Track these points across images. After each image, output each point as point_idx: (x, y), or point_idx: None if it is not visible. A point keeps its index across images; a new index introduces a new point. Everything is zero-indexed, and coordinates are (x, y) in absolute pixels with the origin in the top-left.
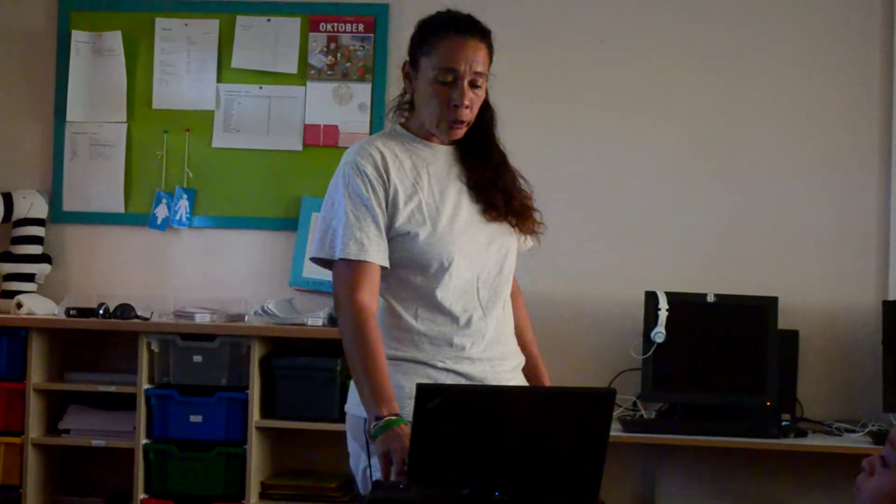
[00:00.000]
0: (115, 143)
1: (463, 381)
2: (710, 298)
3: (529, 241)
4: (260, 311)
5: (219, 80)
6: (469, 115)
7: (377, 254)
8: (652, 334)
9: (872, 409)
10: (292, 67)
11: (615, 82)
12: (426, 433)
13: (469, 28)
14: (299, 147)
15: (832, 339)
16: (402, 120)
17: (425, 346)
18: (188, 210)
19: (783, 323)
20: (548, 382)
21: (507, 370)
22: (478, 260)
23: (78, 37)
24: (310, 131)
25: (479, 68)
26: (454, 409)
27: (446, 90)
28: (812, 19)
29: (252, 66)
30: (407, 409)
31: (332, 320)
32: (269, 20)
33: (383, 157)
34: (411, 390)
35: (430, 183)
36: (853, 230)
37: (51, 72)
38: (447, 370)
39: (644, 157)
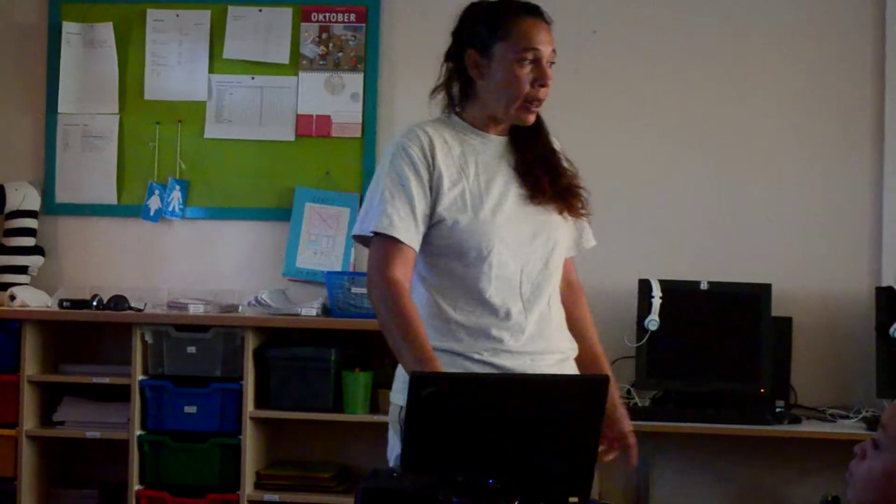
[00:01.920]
0: (108, 135)
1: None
2: (704, 286)
3: (591, 241)
4: (254, 302)
5: (211, 70)
6: (546, 93)
7: (405, 233)
8: (645, 322)
9: (866, 395)
10: (284, 57)
11: (608, 72)
12: (420, 421)
13: (539, 11)
14: (292, 137)
15: (826, 325)
16: (458, 110)
17: (463, 336)
18: (181, 201)
19: (777, 310)
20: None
21: (548, 364)
22: (522, 252)
23: (69, 28)
24: (302, 121)
25: (554, 46)
26: (449, 396)
27: (528, 70)
28: (805, 9)
29: (244, 57)
30: None
31: (325, 310)
32: (260, 10)
33: (431, 142)
34: None
35: (476, 171)
36: (846, 217)
37: (42, 63)
38: (484, 362)
39: (636, 146)
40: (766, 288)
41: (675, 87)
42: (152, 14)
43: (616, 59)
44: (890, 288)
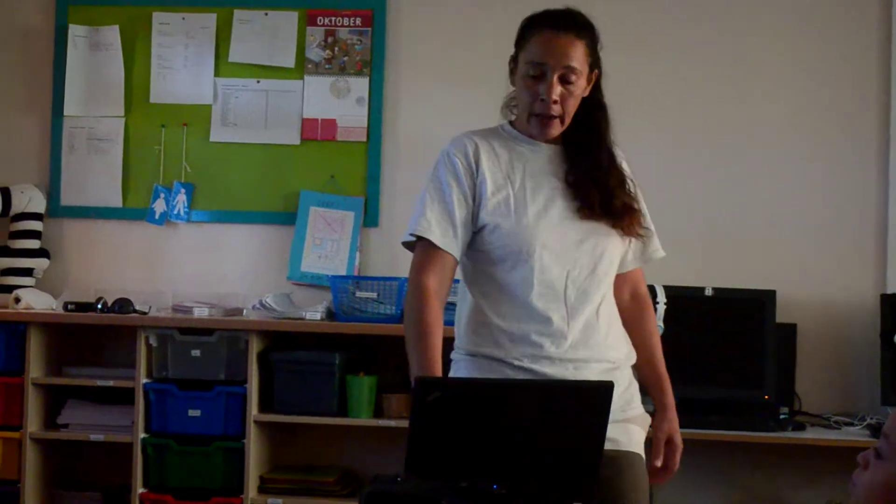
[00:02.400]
0: (113, 138)
1: None
2: (709, 292)
3: (658, 252)
4: (258, 306)
5: (216, 74)
6: (558, 110)
7: (443, 238)
8: None
9: (870, 403)
10: (290, 61)
11: (611, 77)
12: (425, 426)
13: (564, 23)
14: (297, 141)
15: (830, 332)
16: (513, 118)
17: (504, 342)
18: (186, 204)
19: (781, 316)
20: (670, 398)
21: (594, 374)
22: (567, 257)
23: (75, 31)
24: (307, 125)
25: (572, 63)
26: (453, 402)
27: (535, 84)
28: (810, 12)
29: (249, 60)
30: None
31: (330, 314)
32: (266, 14)
33: (476, 149)
34: None
35: (523, 178)
36: (851, 224)
37: (48, 66)
38: (524, 368)
39: (640, 152)
40: (771, 294)
41: (680, 93)
42: (158, 17)
43: (618, 63)
44: (895, 295)
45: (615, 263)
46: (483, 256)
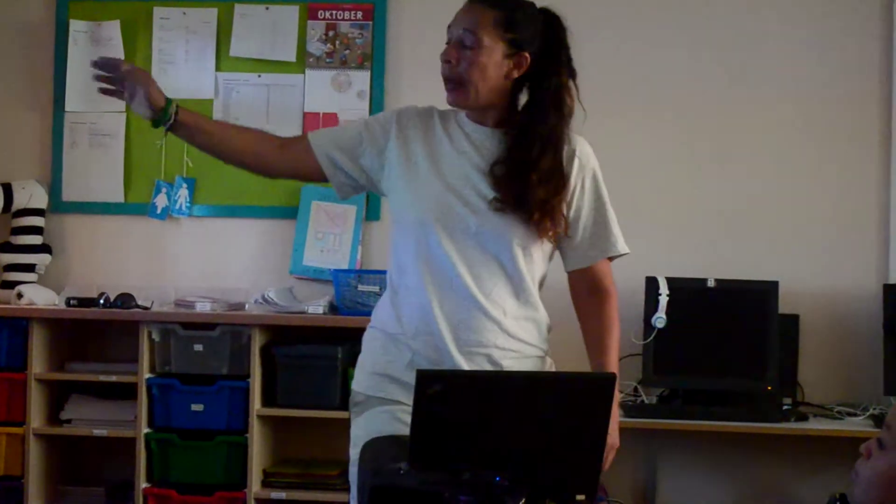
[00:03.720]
0: (115, 133)
1: (422, 359)
2: (711, 283)
3: (615, 248)
4: (260, 300)
5: (217, 68)
6: (448, 70)
7: (314, 136)
8: (652, 319)
9: (873, 393)
10: (291, 55)
11: (614, 67)
12: (427, 419)
13: None
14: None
15: (833, 323)
16: None
17: (403, 319)
18: (188, 199)
19: (784, 307)
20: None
21: (511, 358)
22: (464, 243)
23: (76, 26)
24: (309, 119)
25: (469, 26)
26: (455, 394)
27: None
28: (813, 7)
29: (250, 55)
30: (364, 382)
31: (332, 308)
32: (267, 8)
33: (409, 119)
34: (369, 362)
35: (441, 156)
36: (853, 214)
37: (49, 61)
38: (410, 348)
39: (643, 144)
40: (774, 285)
41: (683, 84)
42: (159, 12)
43: (621, 54)
44: None
45: (520, 255)
46: (395, 227)
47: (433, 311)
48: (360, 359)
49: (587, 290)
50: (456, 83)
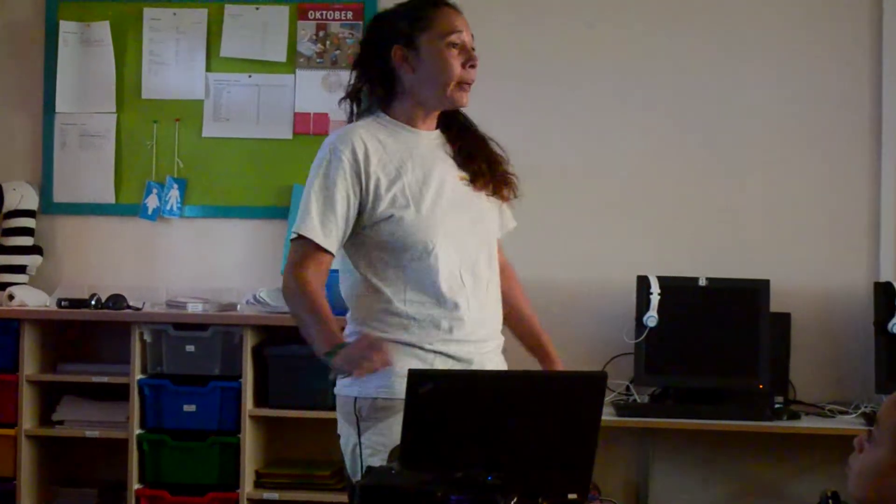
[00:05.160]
0: (105, 134)
1: (451, 362)
2: (702, 282)
3: (511, 222)
4: (252, 300)
5: (208, 69)
6: (475, 75)
7: (324, 237)
8: (644, 318)
9: (865, 391)
10: (281, 56)
11: (604, 67)
12: (418, 418)
13: (450, 1)
14: (289, 135)
15: (824, 321)
16: (384, 109)
17: (414, 329)
18: (179, 200)
19: (775, 306)
20: (554, 353)
21: (490, 350)
22: (463, 243)
23: (66, 27)
24: (299, 119)
25: (470, 32)
26: (446, 394)
27: (456, 53)
28: (803, 5)
29: (241, 55)
30: (397, 386)
31: None
32: (257, 9)
33: (365, 148)
34: (402, 368)
35: (413, 166)
36: (844, 212)
37: (39, 63)
38: (436, 352)
39: (634, 142)
40: (765, 284)
41: (673, 83)
42: (149, 13)
43: (612, 54)
44: (888, 283)
45: (496, 241)
46: (384, 245)
47: None
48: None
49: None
50: (471, 85)
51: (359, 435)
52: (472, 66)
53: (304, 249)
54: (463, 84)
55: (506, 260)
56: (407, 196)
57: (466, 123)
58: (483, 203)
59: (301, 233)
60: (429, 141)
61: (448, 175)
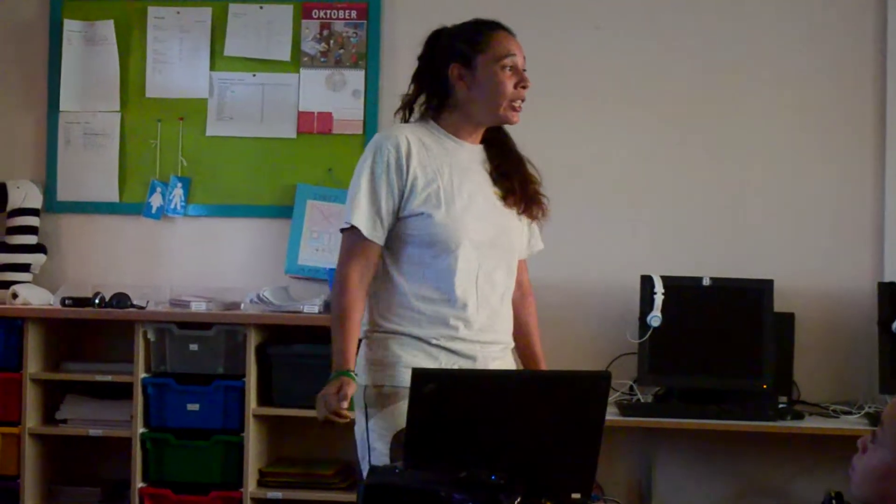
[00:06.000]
0: (109, 133)
1: (455, 357)
2: (706, 282)
3: (539, 244)
4: (256, 299)
5: (212, 68)
6: (525, 95)
7: (371, 229)
8: (648, 318)
9: (869, 391)
10: (285, 55)
11: (609, 68)
12: (422, 417)
13: (505, 26)
14: (293, 134)
15: (828, 321)
16: (434, 118)
17: (424, 324)
18: (183, 199)
19: (779, 305)
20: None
21: (494, 351)
22: (484, 251)
23: (70, 26)
24: (303, 118)
25: (524, 55)
26: (450, 393)
27: (509, 75)
28: (807, 4)
29: (245, 54)
30: (402, 375)
31: (328, 307)
32: (261, 7)
33: (409, 146)
34: (409, 360)
35: (451, 172)
36: (848, 212)
37: (43, 61)
38: (441, 347)
39: (639, 141)
40: (769, 284)
41: (678, 83)
42: (153, 11)
43: (618, 54)
44: (892, 283)
45: (518, 259)
46: (411, 240)
47: None
48: (385, 358)
49: (517, 283)
50: (520, 105)
51: (366, 420)
52: (524, 87)
53: (353, 241)
54: (514, 103)
55: (529, 287)
56: (440, 197)
57: (508, 143)
58: (512, 220)
59: (352, 222)
60: (470, 154)
61: (482, 188)
